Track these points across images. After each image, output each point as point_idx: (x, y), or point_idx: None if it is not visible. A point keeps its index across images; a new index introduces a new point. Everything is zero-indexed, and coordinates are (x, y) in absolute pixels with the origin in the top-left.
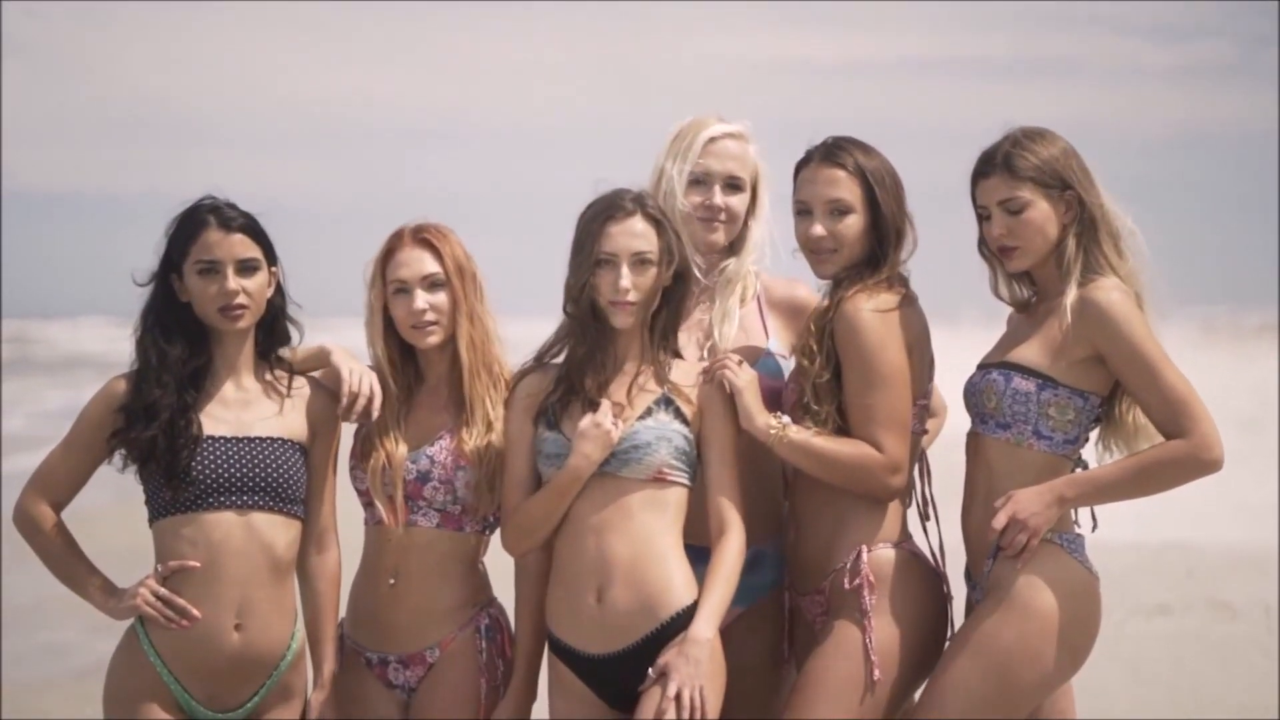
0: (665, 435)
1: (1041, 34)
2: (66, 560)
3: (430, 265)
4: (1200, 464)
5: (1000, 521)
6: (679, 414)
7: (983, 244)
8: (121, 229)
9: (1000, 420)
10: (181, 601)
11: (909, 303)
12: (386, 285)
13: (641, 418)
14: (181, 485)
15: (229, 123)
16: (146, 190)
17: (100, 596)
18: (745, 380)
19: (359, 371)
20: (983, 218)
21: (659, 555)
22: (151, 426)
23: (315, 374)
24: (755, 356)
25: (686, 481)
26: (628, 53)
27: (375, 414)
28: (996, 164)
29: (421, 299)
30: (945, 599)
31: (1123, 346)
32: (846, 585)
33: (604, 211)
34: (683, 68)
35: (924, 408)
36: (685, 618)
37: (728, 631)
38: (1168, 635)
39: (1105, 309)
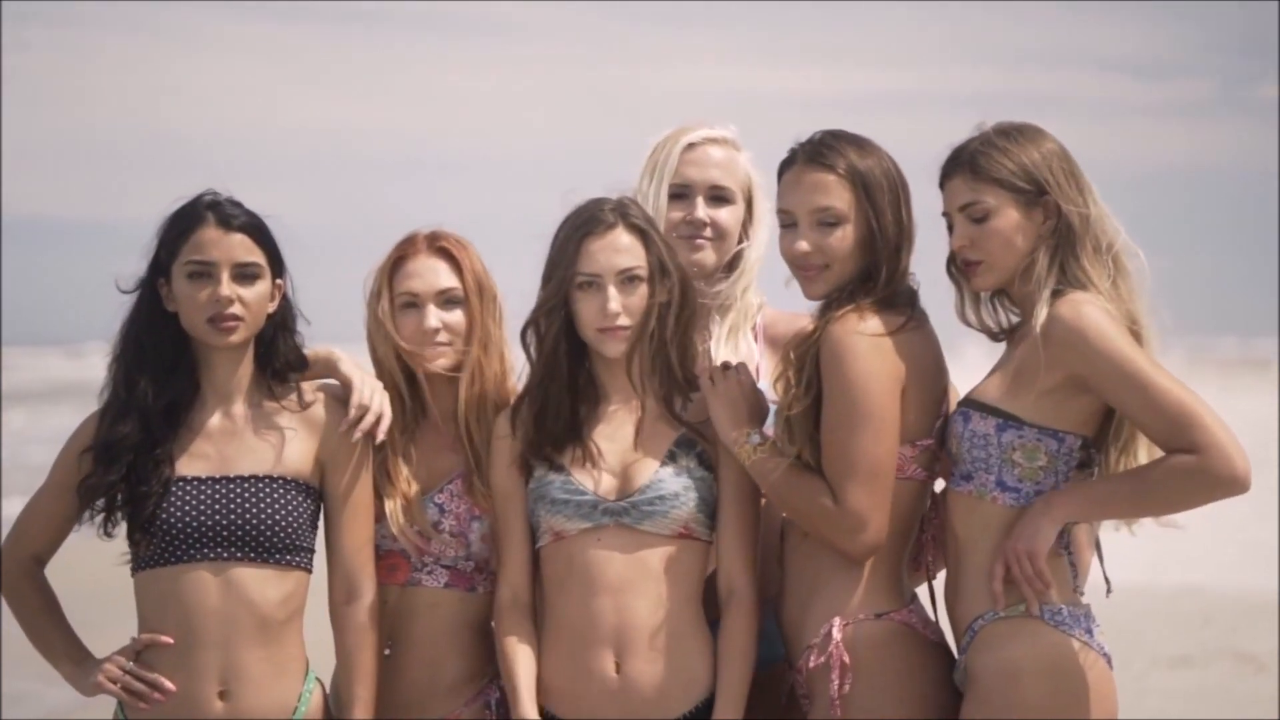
0: (692, 485)
1: (1027, 70)
2: (40, 623)
3: (447, 279)
4: (1217, 480)
5: (1000, 571)
6: (702, 458)
7: (951, 261)
8: (119, 257)
9: (962, 470)
10: (151, 676)
11: (915, 326)
12: (394, 298)
13: (664, 463)
14: (147, 537)
15: (222, 151)
16: (138, 217)
17: (69, 668)
18: (723, 386)
19: (371, 385)
20: (949, 227)
21: (688, 624)
22: (113, 470)
23: (319, 384)
24: None
25: (709, 538)
26: (617, 81)
27: (380, 436)
28: (961, 163)
29: (434, 316)
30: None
31: (1102, 363)
32: (812, 665)
33: (581, 227)
34: (676, 96)
35: (927, 450)
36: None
37: None
38: (1192, 690)
39: (1072, 324)
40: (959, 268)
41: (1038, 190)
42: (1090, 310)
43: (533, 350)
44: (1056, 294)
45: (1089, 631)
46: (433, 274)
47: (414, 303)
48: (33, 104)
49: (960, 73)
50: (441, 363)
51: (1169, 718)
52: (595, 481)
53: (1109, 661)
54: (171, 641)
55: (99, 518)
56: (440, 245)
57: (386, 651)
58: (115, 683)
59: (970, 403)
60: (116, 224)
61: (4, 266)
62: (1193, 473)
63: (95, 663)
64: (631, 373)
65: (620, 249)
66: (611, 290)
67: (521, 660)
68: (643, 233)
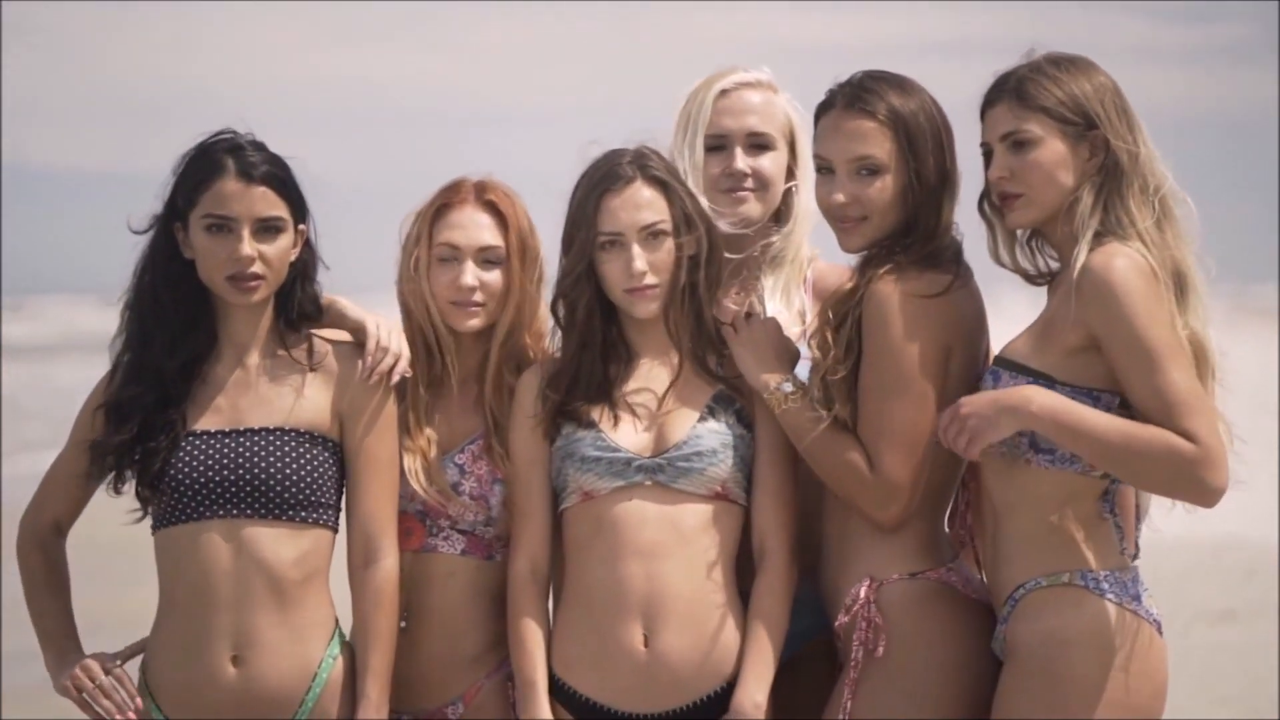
0: (731, 443)
1: (1054, 14)
2: (42, 600)
3: (491, 235)
4: (1198, 482)
5: (944, 420)
6: (741, 415)
7: (984, 199)
8: (139, 208)
9: None
10: (120, 698)
11: (960, 285)
12: (432, 247)
13: (702, 418)
14: (156, 494)
15: (243, 104)
16: (156, 168)
17: (52, 657)
18: (746, 334)
19: (387, 326)
20: (986, 157)
21: (722, 594)
22: (124, 429)
23: (330, 333)
24: None
25: (746, 503)
26: (654, 32)
27: (397, 376)
28: (1006, 90)
29: (472, 273)
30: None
31: (1121, 328)
32: (842, 628)
33: (600, 183)
34: (714, 45)
35: None
36: None
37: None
38: (1237, 644)
39: (1101, 276)
40: (994, 203)
41: (1086, 123)
42: (1123, 264)
43: (563, 320)
44: (1097, 238)
45: (1136, 598)
46: (476, 228)
47: (453, 256)
48: (70, 59)
49: (985, 18)
50: (472, 324)
51: (1214, 673)
52: (629, 438)
53: (1158, 628)
54: (140, 706)
55: (109, 475)
56: (487, 198)
57: (402, 624)
58: (80, 691)
59: (1001, 361)
60: (150, 175)
61: (46, 217)
62: (1183, 460)
63: (75, 660)
64: (670, 330)
65: (641, 204)
66: (635, 248)
67: (537, 653)
68: (663, 184)
